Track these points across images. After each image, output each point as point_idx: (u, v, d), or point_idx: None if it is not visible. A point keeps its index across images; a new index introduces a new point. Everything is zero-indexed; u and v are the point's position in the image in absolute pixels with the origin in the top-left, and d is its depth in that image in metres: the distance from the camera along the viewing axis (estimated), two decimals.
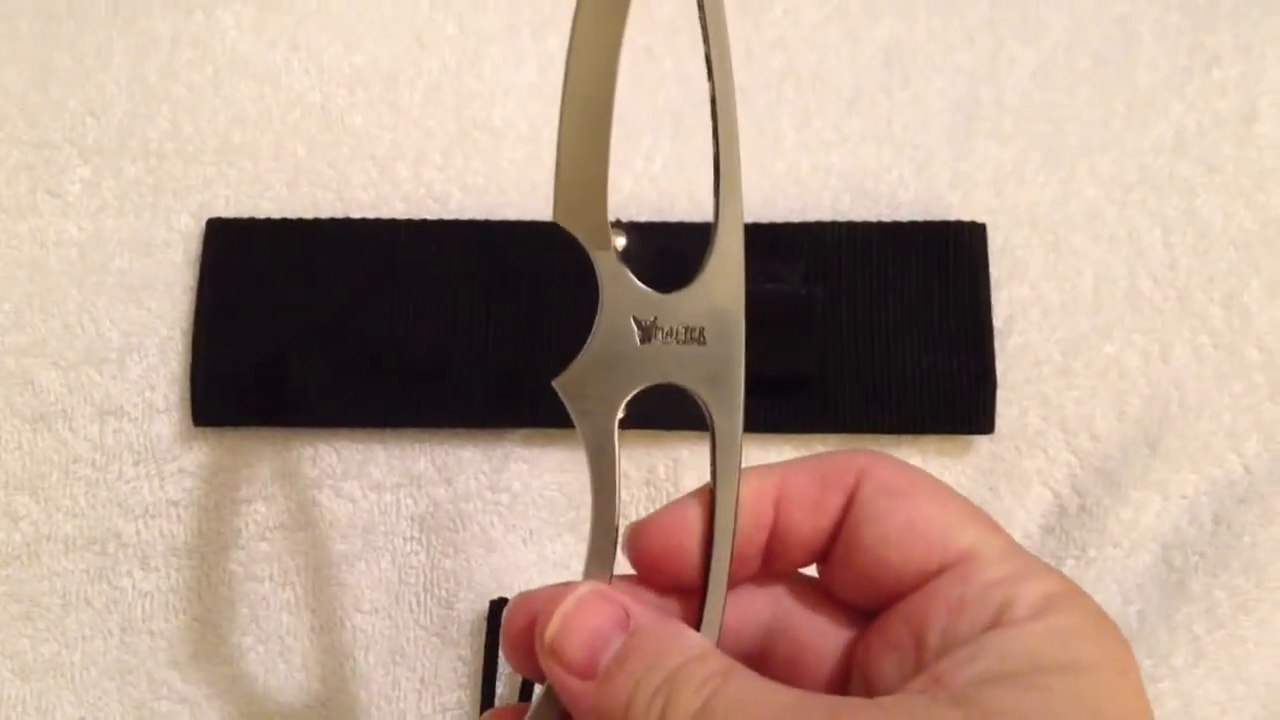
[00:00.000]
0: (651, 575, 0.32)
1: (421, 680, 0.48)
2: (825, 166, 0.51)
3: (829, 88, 0.53)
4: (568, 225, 0.31)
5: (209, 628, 0.48)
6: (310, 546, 0.48)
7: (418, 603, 0.48)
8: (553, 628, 0.30)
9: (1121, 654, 0.28)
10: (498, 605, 0.47)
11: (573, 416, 0.31)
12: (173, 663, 0.48)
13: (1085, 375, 0.49)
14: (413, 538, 0.48)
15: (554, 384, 0.31)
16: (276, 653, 0.48)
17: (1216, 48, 0.52)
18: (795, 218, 0.50)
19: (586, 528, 0.48)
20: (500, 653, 0.46)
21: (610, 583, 0.31)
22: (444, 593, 0.48)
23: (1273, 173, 0.50)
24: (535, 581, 0.48)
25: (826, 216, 0.50)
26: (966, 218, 0.50)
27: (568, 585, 0.31)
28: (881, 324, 0.49)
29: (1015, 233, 0.50)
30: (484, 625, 0.47)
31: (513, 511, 0.48)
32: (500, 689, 0.47)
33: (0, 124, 0.52)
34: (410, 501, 0.48)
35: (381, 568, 0.48)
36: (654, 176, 0.51)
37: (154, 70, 0.52)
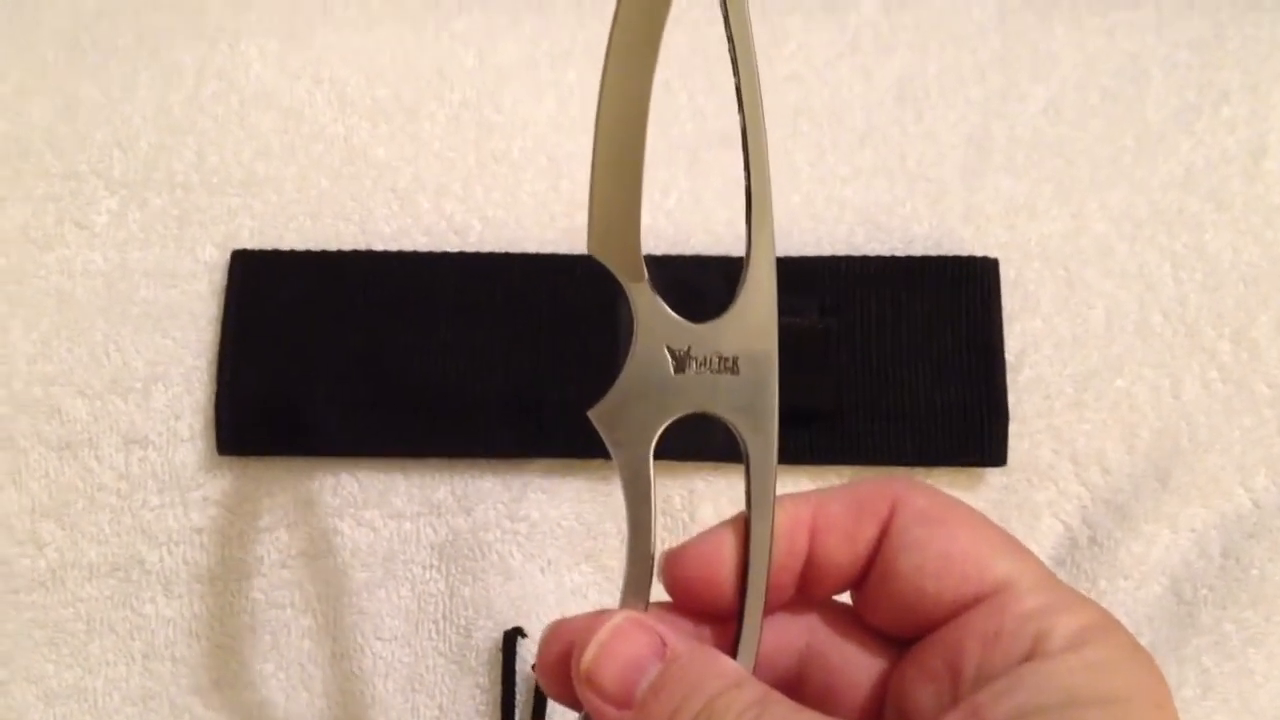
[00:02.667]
0: (687, 602, 0.32)
1: (440, 708, 0.48)
2: (839, 200, 0.52)
3: (842, 122, 0.53)
4: (602, 257, 0.31)
5: (230, 654, 0.49)
6: (331, 574, 0.49)
7: (437, 631, 0.49)
8: (588, 656, 0.30)
9: (1157, 687, 0.28)
10: (511, 635, 0.48)
11: (608, 446, 0.31)
12: (194, 689, 0.49)
13: (1096, 409, 0.49)
14: (432, 566, 0.49)
15: (589, 414, 0.31)
16: (297, 679, 0.49)
17: (1225, 85, 0.53)
18: (810, 251, 0.51)
19: (605, 557, 0.49)
20: (532, 681, 0.47)
21: (646, 611, 0.32)
22: (463, 621, 0.49)
23: None
24: (553, 610, 0.48)
25: (841, 250, 0.51)
26: (979, 251, 0.51)
27: (603, 613, 0.31)
28: (895, 357, 0.49)
29: (1027, 267, 0.51)
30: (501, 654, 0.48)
31: (531, 541, 0.49)
32: (519, 717, 0.47)
33: (28, 156, 0.52)
34: (430, 530, 0.49)
35: (401, 596, 0.49)
36: (670, 211, 0.52)
37: (179, 102, 0.53)
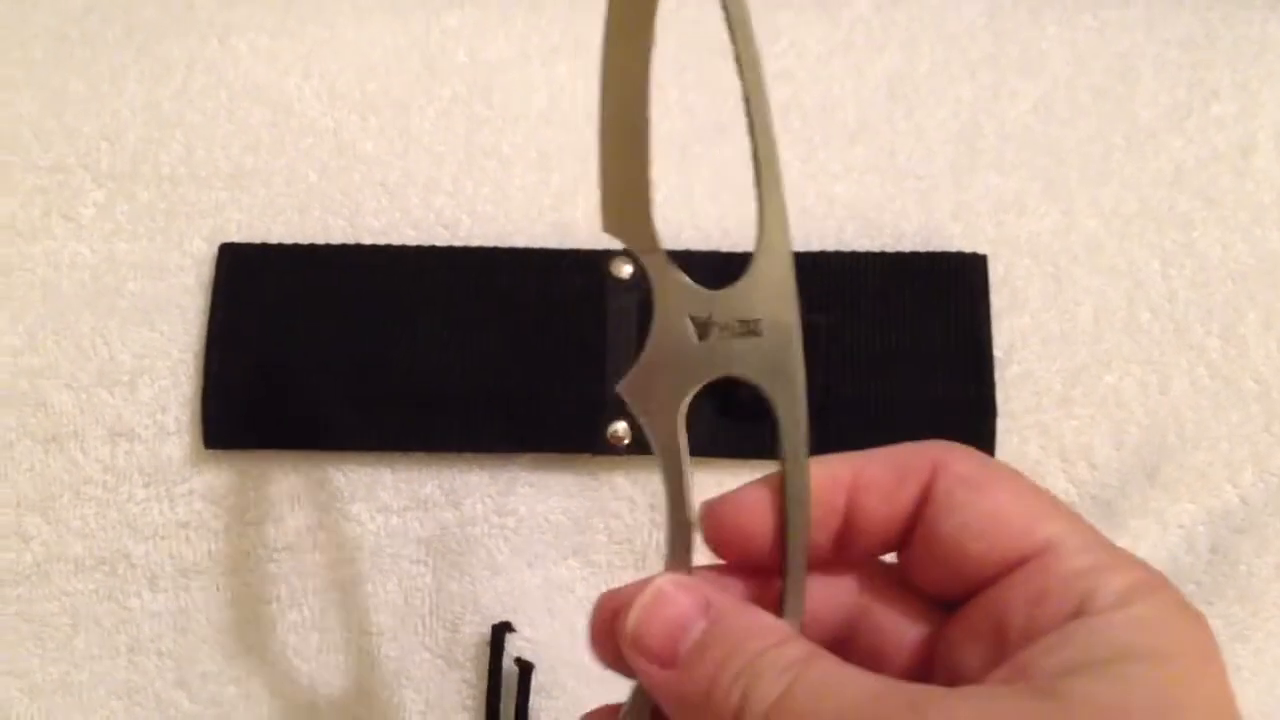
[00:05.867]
0: (727, 553, 0.32)
1: (427, 702, 0.48)
2: (830, 196, 0.52)
3: (834, 119, 0.53)
4: (616, 234, 0.31)
5: (216, 648, 0.49)
6: (318, 568, 0.49)
7: (423, 625, 0.49)
8: (633, 619, 0.30)
9: (1206, 643, 0.28)
10: (499, 630, 0.48)
11: (639, 419, 0.32)
12: (180, 683, 0.49)
13: (1084, 405, 0.49)
14: (419, 560, 0.49)
15: (618, 389, 0.32)
16: (283, 673, 0.49)
17: (1215, 83, 0.53)
18: (800, 247, 0.50)
19: (592, 552, 0.49)
20: (517, 676, 0.47)
21: (690, 574, 0.32)
22: (450, 615, 0.49)
23: (1270, 207, 0.51)
24: (540, 605, 0.48)
25: (831, 246, 0.51)
26: (968, 248, 0.51)
27: (650, 579, 0.31)
28: (884, 353, 0.49)
29: (1016, 263, 0.51)
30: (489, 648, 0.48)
31: (518, 535, 0.49)
32: (503, 711, 0.47)
33: (15, 148, 0.52)
34: (417, 525, 0.49)
35: (388, 590, 0.49)
36: (660, 205, 0.51)
37: (168, 96, 0.53)
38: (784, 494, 0.31)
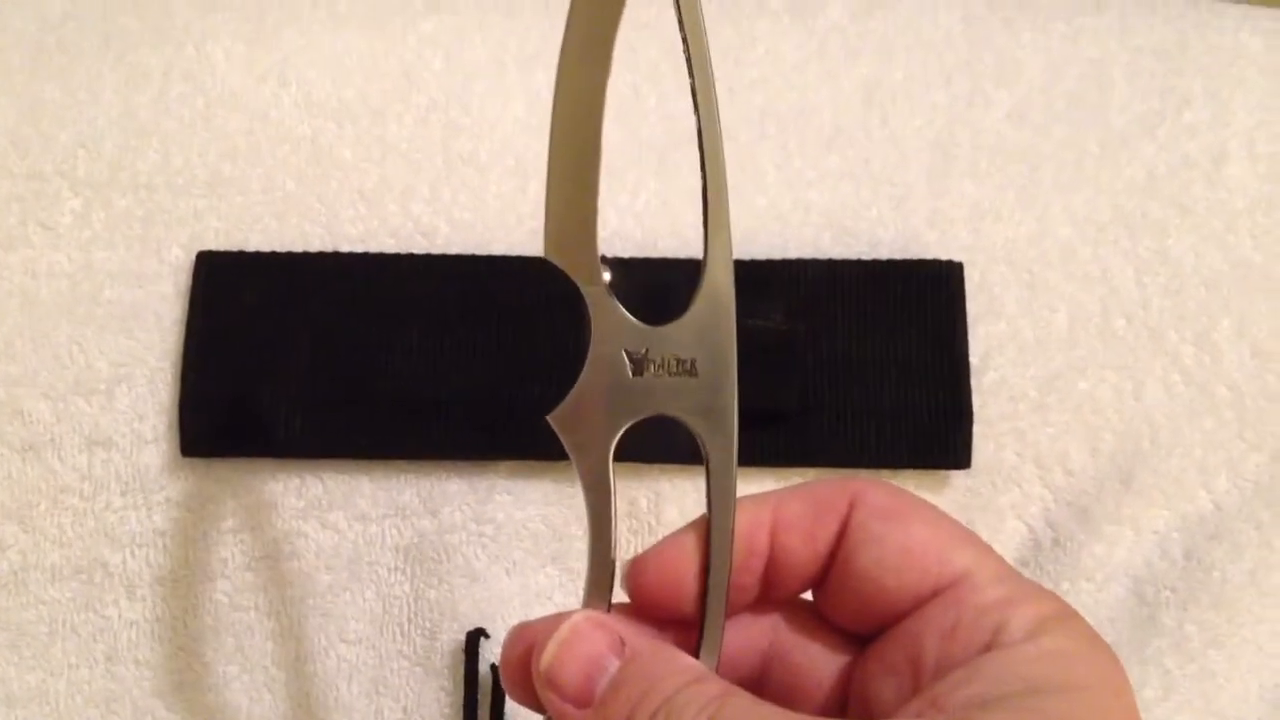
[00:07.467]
0: (651, 609, 0.32)
1: (405, 710, 0.48)
2: (805, 204, 0.52)
3: (809, 126, 0.54)
4: (558, 261, 0.31)
5: (194, 657, 0.49)
6: (295, 577, 0.49)
7: (401, 633, 0.49)
8: (547, 656, 0.30)
9: (1115, 675, 0.28)
10: (474, 636, 0.48)
11: (568, 450, 0.32)
12: (157, 692, 0.49)
13: (1059, 411, 0.50)
14: (397, 568, 0.49)
15: (548, 419, 0.32)
16: (261, 682, 0.49)
17: (1187, 91, 0.53)
18: (776, 254, 0.51)
19: (570, 559, 0.49)
20: (491, 682, 0.47)
21: (608, 612, 0.32)
22: (428, 623, 0.49)
23: (1242, 214, 0.52)
24: (519, 613, 0.48)
25: (807, 253, 0.51)
26: (944, 255, 0.51)
27: (563, 614, 0.31)
28: (860, 360, 0.49)
29: (991, 270, 0.51)
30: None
31: (497, 543, 0.49)
32: (480, 718, 0.47)
33: None
34: (395, 532, 0.49)
35: (366, 598, 0.49)
36: (639, 212, 0.52)
37: (145, 104, 0.53)
38: (708, 543, 0.31)
